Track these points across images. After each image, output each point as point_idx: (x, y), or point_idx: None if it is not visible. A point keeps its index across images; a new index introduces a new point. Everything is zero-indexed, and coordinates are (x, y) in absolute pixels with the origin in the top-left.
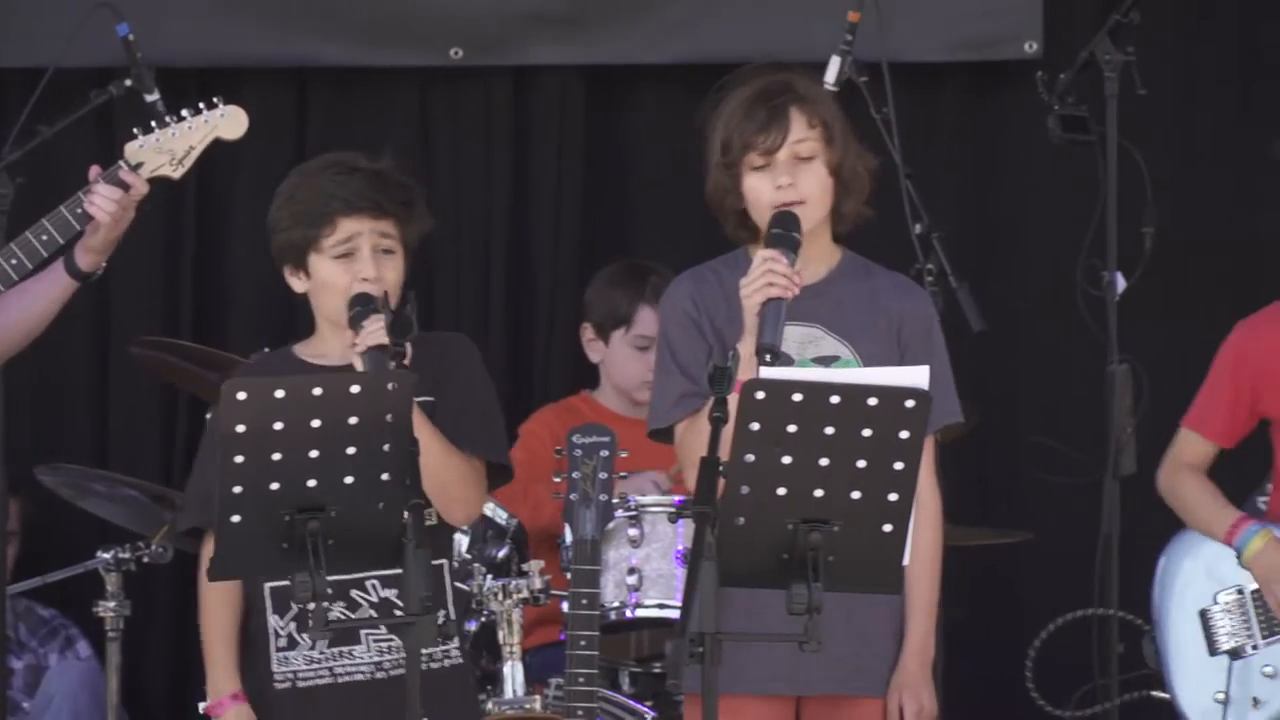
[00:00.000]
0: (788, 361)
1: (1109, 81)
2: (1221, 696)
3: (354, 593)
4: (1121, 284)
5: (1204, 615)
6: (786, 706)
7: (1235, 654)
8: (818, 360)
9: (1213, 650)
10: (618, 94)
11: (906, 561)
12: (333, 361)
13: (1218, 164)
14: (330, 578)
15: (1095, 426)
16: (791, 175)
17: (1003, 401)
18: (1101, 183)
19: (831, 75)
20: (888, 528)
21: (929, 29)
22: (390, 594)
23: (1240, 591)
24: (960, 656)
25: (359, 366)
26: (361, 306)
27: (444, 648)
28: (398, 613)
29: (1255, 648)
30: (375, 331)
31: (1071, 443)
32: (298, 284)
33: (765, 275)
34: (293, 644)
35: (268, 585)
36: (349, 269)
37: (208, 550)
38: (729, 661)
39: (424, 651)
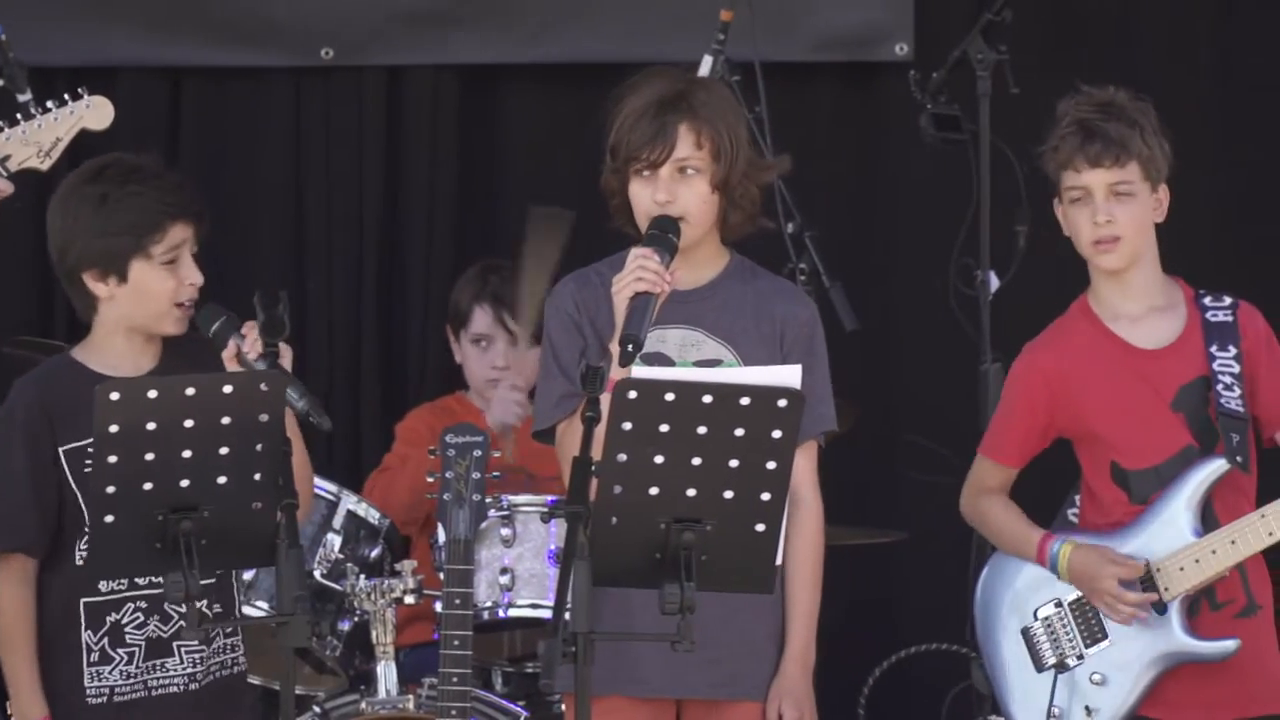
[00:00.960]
0: (667, 363)
1: (981, 80)
2: (1057, 711)
3: (168, 606)
4: (995, 283)
5: (1026, 634)
6: (666, 709)
7: (1061, 667)
8: (699, 363)
9: (1039, 667)
10: (490, 94)
11: (779, 561)
12: (124, 371)
13: None
14: (143, 592)
15: (968, 425)
16: (671, 192)
17: (876, 401)
18: (974, 181)
19: (704, 74)
20: (760, 527)
21: (801, 29)
22: (201, 604)
23: (1058, 604)
24: (836, 658)
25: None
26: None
27: (233, 655)
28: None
29: (1080, 657)
30: (260, 341)
31: (945, 442)
32: (103, 290)
33: (636, 271)
34: (105, 659)
35: (83, 600)
36: (174, 275)
37: (6, 574)
38: (608, 662)
39: (216, 659)
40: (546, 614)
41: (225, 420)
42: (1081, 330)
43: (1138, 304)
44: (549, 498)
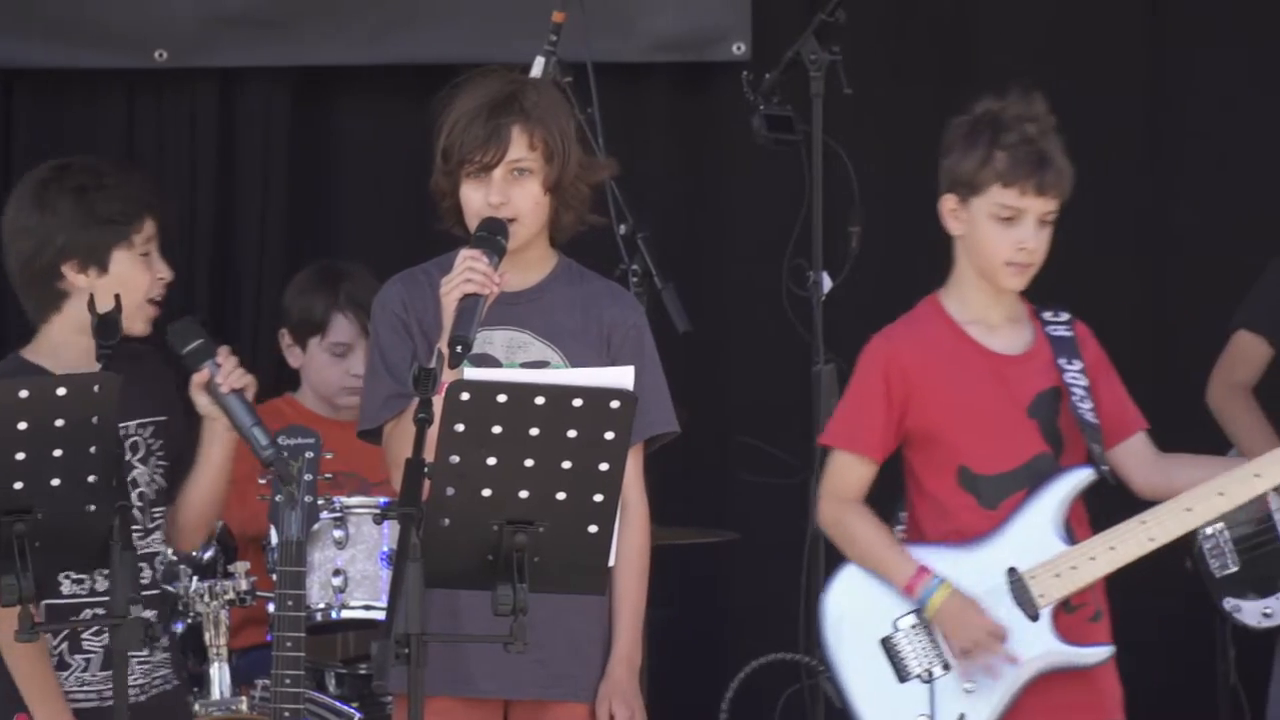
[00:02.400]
0: (494, 364)
1: (814, 81)
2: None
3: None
4: (828, 284)
5: (887, 644)
6: (494, 710)
7: (928, 677)
8: (526, 365)
9: (903, 677)
10: (324, 96)
11: (612, 563)
12: (80, 367)
13: (924, 163)
14: (102, 599)
15: (801, 426)
16: (504, 194)
17: (709, 402)
18: (807, 182)
19: (536, 75)
20: (593, 529)
21: (636, 29)
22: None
23: (920, 614)
24: (667, 659)
25: (203, 405)
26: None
27: (163, 672)
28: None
29: (947, 666)
30: (236, 373)
31: (778, 443)
32: (83, 281)
33: (465, 272)
34: (63, 665)
35: (45, 603)
36: (149, 268)
37: None
38: (436, 663)
39: (158, 673)
40: (379, 615)
41: (58, 423)
42: (938, 330)
43: (1000, 313)
44: (381, 499)
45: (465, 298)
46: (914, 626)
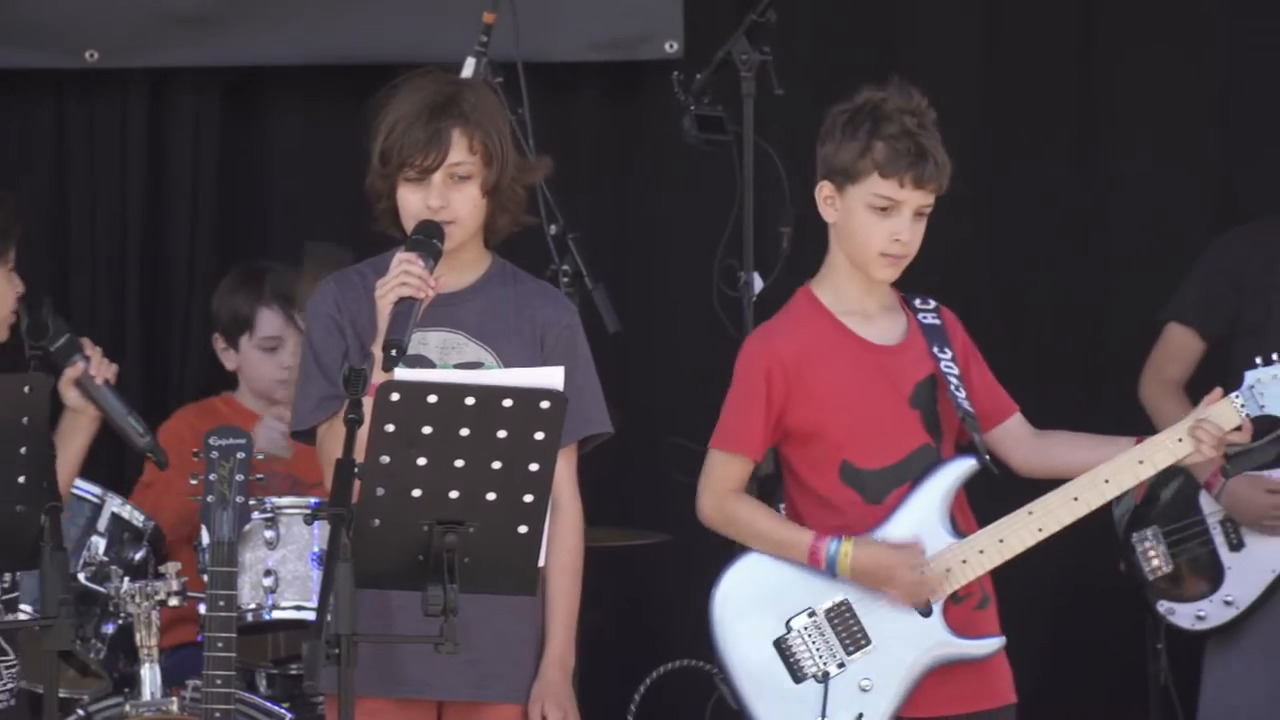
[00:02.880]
0: (428, 365)
1: (745, 81)
2: None
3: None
4: (758, 284)
5: (780, 644)
6: (427, 710)
7: (823, 677)
8: (460, 366)
9: (797, 678)
10: (255, 97)
11: (542, 563)
12: None
13: None
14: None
15: None
16: (444, 198)
17: (640, 402)
18: (737, 183)
19: (467, 75)
20: (523, 529)
21: (567, 29)
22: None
23: (812, 614)
24: (596, 660)
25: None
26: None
27: (10, 686)
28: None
29: (842, 665)
30: (104, 363)
31: (709, 443)
32: None
33: (400, 276)
34: None
35: None
36: (12, 283)
37: None
38: (369, 663)
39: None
40: (310, 616)
41: None
42: (814, 323)
43: (875, 303)
44: (312, 500)
45: (400, 301)
46: (808, 626)
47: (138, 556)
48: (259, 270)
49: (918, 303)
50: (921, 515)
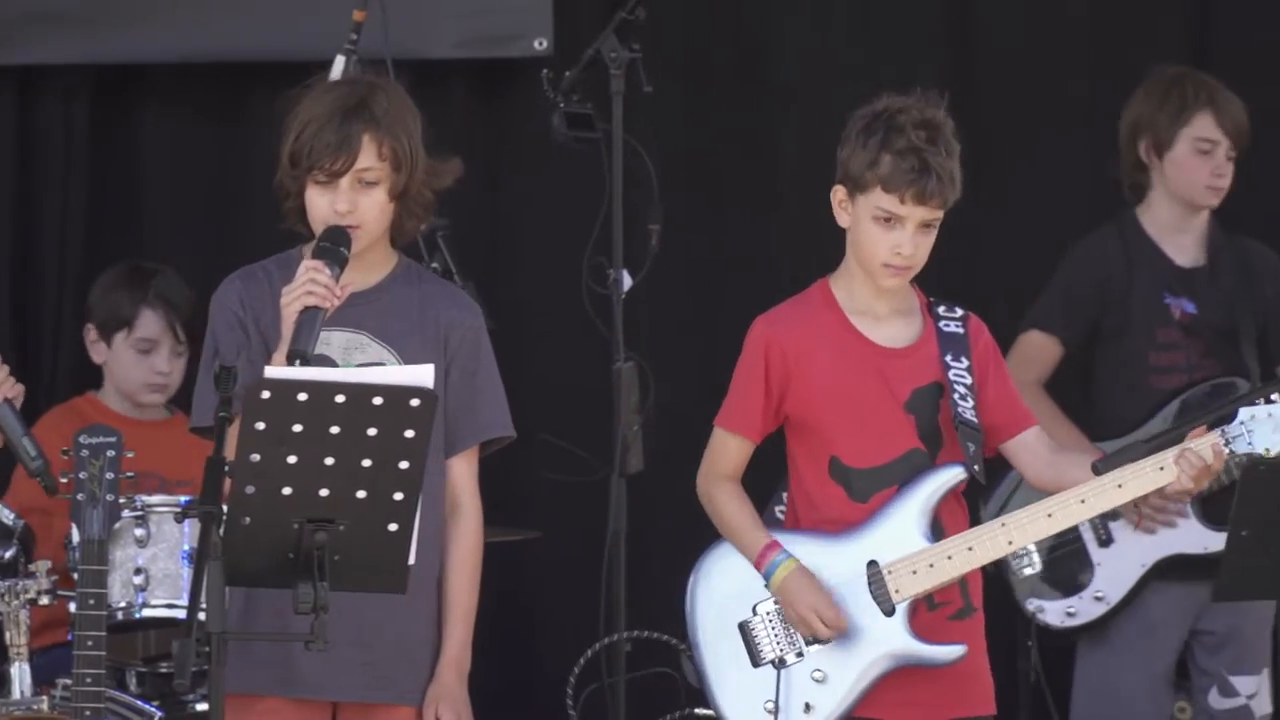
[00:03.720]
0: (332, 366)
1: (614, 79)
2: (771, 706)
3: None
4: (628, 282)
5: (744, 628)
6: (322, 711)
7: (779, 663)
8: (363, 366)
9: (756, 662)
10: (125, 94)
11: (413, 561)
12: None
13: (723, 161)
14: None
15: (602, 424)
16: (351, 203)
17: (510, 400)
18: (607, 180)
19: (337, 74)
20: (393, 526)
21: (437, 26)
22: None
23: (778, 602)
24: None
25: None
26: None
27: None
28: None
29: (800, 654)
30: (8, 383)
31: (579, 441)
32: None
33: (306, 284)
34: None
35: None
36: None
37: None
38: (265, 663)
39: None
40: (180, 614)
41: None
42: (823, 316)
43: (887, 306)
44: (182, 498)
45: (305, 310)
46: (771, 613)
47: (7, 555)
48: (147, 270)
49: (942, 309)
50: (902, 518)
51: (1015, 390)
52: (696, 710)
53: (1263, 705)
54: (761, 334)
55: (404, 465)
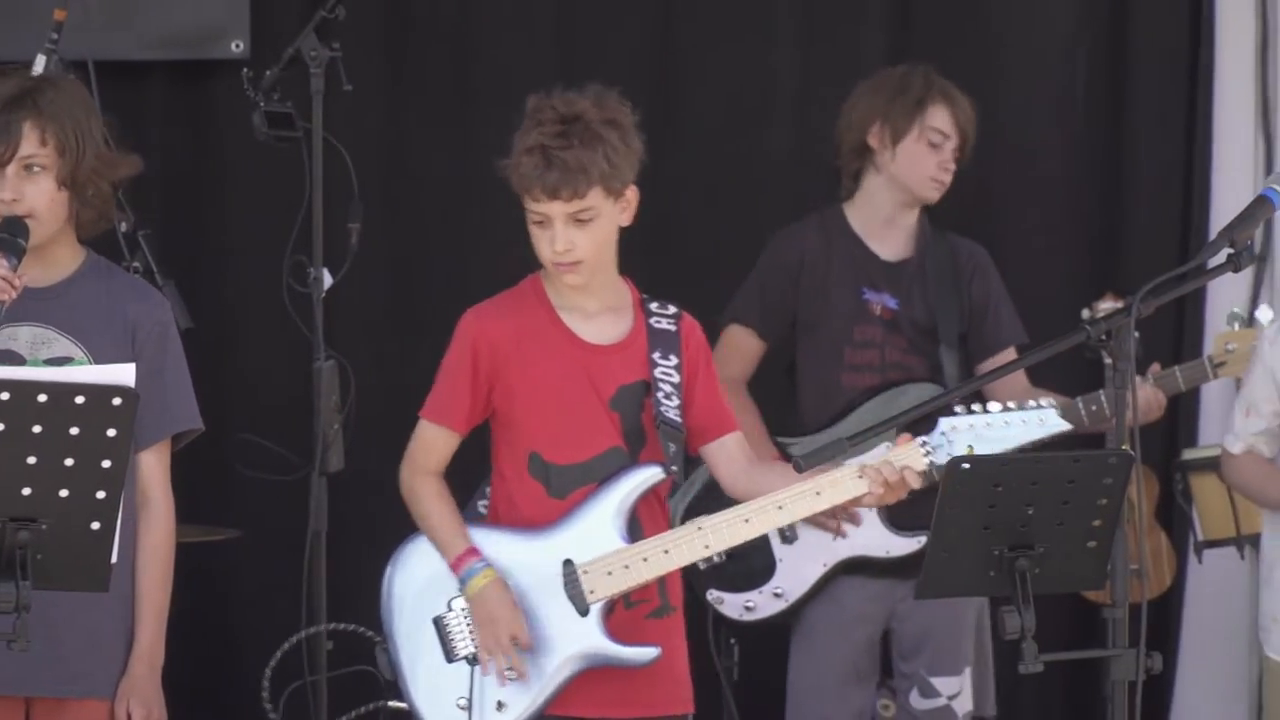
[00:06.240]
0: (19, 361)
1: (315, 78)
2: (463, 702)
3: None
4: (328, 280)
5: (439, 622)
6: (15, 708)
7: (472, 660)
8: (50, 361)
9: (450, 657)
10: None
11: (115, 559)
12: None
13: (422, 160)
14: None
15: (303, 423)
16: (17, 190)
17: (211, 398)
18: (307, 179)
19: (38, 73)
20: (96, 525)
21: (135, 26)
22: None
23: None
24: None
25: None
26: None
27: None
28: None
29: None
30: None
31: (279, 440)
32: None
33: None
34: None
35: None
36: None
37: None
38: None
39: None
40: None
41: None
42: (532, 310)
43: (594, 303)
44: None
45: None
46: (465, 609)
47: None
48: None
49: (654, 306)
50: (598, 517)
51: (722, 394)
52: (390, 704)
53: (964, 704)
54: (470, 326)
55: (106, 464)
